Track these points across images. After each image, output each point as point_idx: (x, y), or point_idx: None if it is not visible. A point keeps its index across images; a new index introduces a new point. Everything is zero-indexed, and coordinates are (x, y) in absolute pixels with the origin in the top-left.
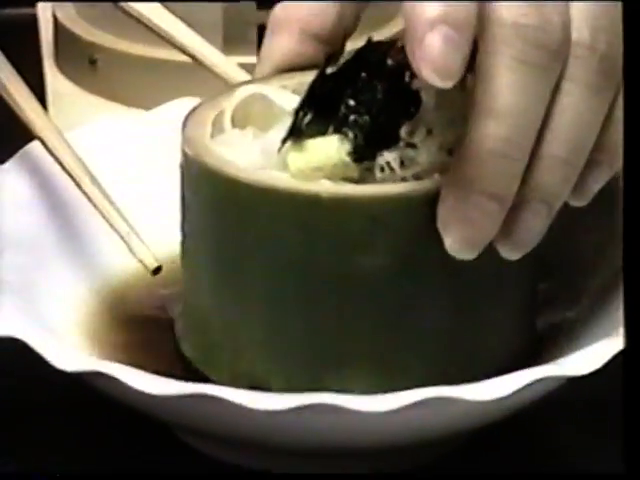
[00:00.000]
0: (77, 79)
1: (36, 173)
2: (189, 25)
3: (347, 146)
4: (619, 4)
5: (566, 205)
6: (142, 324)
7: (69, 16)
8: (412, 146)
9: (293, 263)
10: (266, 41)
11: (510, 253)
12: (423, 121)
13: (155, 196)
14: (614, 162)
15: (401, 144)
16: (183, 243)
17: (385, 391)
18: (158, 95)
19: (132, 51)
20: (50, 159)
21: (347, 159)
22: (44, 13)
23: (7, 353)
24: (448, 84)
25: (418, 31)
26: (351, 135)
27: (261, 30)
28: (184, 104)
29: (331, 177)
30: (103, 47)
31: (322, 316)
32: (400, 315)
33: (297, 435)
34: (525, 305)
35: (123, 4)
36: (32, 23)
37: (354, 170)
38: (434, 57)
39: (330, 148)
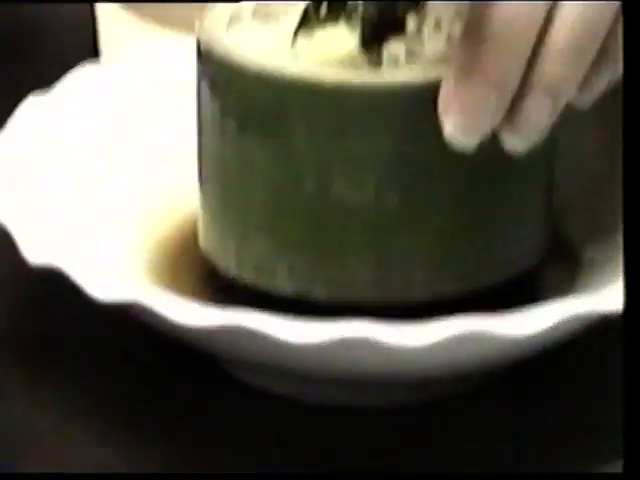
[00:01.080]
0: (129, 4)
1: (87, 96)
2: None
3: (355, 36)
4: None
5: None
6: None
7: None
8: (419, 38)
9: (295, 150)
10: None
11: (513, 144)
12: (430, 13)
13: None
14: (619, 63)
15: (408, 36)
16: (198, 134)
17: (384, 282)
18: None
19: None
20: (97, 84)
21: (355, 49)
22: None
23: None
24: None
25: None
26: (360, 25)
27: None
28: None
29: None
30: None
31: (323, 202)
32: (400, 205)
33: (328, 366)
34: (536, 207)
35: None
36: None
37: (363, 62)
38: None
39: (339, 38)
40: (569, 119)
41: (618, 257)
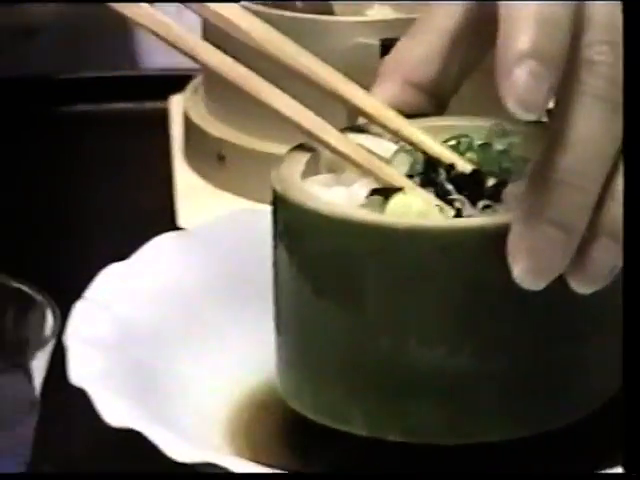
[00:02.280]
0: (206, 174)
1: (167, 263)
2: None
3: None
4: None
5: None
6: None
7: (199, 112)
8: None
9: (369, 295)
10: (373, 88)
11: (580, 287)
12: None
13: None
14: None
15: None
16: (274, 285)
17: (457, 427)
18: None
19: (259, 148)
20: (177, 251)
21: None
22: (176, 108)
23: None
24: (531, 116)
25: (507, 63)
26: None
27: None
28: None
29: None
30: (231, 143)
31: (398, 356)
32: (473, 352)
33: None
34: (606, 346)
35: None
36: (163, 117)
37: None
38: (519, 91)
39: (429, 208)
40: None
41: None
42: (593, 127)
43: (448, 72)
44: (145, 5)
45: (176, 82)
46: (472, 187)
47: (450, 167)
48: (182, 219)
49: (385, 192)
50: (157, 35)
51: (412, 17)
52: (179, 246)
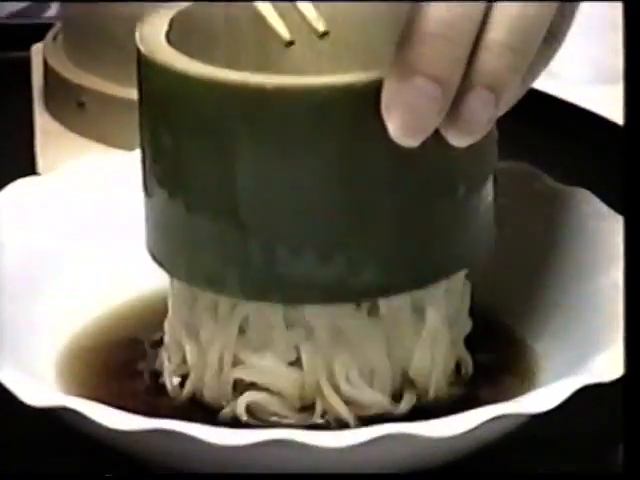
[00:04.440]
0: (65, 121)
1: (23, 208)
2: None
3: None
4: None
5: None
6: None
7: (59, 59)
8: None
9: (241, 157)
10: None
11: (456, 140)
12: None
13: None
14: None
15: None
16: (141, 148)
17: (341, 283)
18: None
19: (119, 94)
20: (33, 196)
21: None
22: (37, 56)
23: None
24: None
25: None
26: None
27: None
28: None
29: None
30: (91, 90)
31: (270, 210)
32: (347, 206)
33: (258, 468)
34: (480, 206)
35: None
36: (26, 66)
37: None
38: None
39: None
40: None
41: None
42: None
43: None
44: None
45: (37, 31)
46: None
47: None
48: (41, 166)
49: None
50: None
51: None
52: (35, 191)
